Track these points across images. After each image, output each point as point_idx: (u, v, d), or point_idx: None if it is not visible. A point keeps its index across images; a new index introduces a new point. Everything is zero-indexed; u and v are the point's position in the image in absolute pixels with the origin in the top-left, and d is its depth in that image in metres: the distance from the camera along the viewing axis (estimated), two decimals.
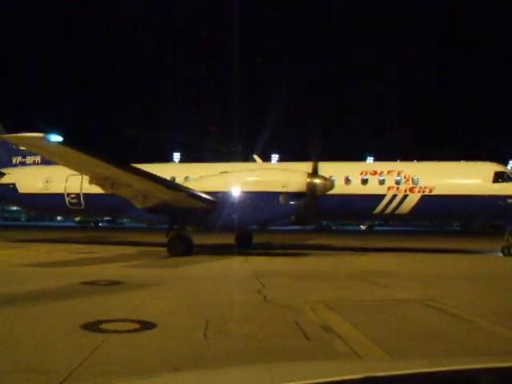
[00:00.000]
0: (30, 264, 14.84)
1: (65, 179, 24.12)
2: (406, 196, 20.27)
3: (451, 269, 16.36)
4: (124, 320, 6.98)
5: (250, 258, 18.72)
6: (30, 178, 25.49)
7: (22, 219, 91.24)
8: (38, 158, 26.90)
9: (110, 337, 6.03)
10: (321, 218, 24.75)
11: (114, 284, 10.68)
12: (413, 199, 20.18)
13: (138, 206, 19.72)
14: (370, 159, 33.49)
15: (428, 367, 1.29)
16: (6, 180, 25.74)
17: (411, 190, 20.26)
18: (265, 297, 9.38)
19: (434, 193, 19.98)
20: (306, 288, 10.80)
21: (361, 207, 20.90)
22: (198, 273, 13.71)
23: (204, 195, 18.48)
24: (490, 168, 20.44)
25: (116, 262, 16.32)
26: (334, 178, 20.08)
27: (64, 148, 15.65)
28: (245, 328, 6.73)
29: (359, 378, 1.13)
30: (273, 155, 33.92)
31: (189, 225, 21.15)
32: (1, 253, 19.94)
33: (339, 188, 19.89)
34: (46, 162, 25.74)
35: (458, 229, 71.47)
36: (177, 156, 45.18)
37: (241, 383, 1.16)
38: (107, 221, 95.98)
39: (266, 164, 24.81)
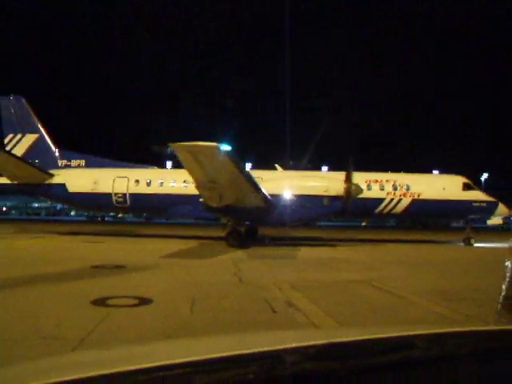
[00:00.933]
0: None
1: (112, 180, 23.79)
2: (400, 199, 21.86)
3: (401, 256, 16.77)
4: (126, 296, 7.03)
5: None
6: (79, 179, 24.48)
7: (42, 214, 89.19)
8: (82, 162, 26.00)
9: (114, 310, 6.08)
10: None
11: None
12: (405, 202, 21.80)
13: (213, 205, 19.09)
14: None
15: (374, 334, 1.32)
16: (56, 180, 24.64)
17: (404, 194, 21.91)
18: (240, 278, 9.48)
19: (421, 197, 21.74)
20: (273, 271, 10.94)
21: (366, 207, 21.82)
22: (186, 259, 13.72)
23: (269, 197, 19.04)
24: (460, 180, 22.56)
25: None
26: None
27: (223, 156, 15.46)
28: (223, 303, 6.85)
29: (319, 344, 1.17)
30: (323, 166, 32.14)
31: (247, 221, 21.70)
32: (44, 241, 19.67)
33: None
34: (89, 165, 25.72)
35: (394, 224, 71.83)
36: None
37: (213, 350, 1.20)
38: (112, 216, 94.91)
39: (302, 172, 24.16)
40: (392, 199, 21.92)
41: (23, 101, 27.50)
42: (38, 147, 26.26)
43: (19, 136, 26.83)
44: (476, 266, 13.39)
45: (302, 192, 19.94)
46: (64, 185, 24.43)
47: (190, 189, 22.15)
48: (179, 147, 15.42)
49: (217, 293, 7.79)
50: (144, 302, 6.73)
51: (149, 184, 23.81)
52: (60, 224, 40.22)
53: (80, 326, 5.23)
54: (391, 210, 22.04)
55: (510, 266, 3.01)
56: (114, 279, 9.06)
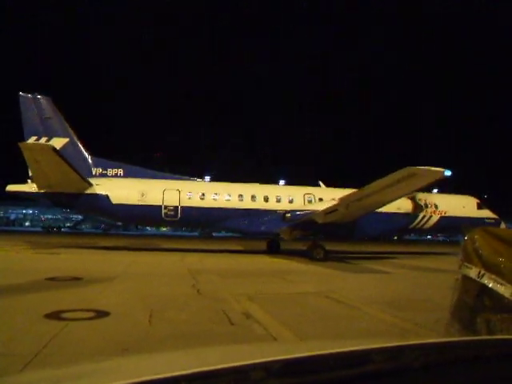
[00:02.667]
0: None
1: (161, 192, 22.24)
2: (431, 216, 23.50)
3: (355, 267, 16.99)
4: (82, 309, 6.80)
5: (186, 257, 18.69)
6: (124, 190, 22.19)
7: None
8: (120, 171, 23.59)
9: (69, 324, 5.85)
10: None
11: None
12: (435, 219, 23.48)
13: (319, 221, 19.44)
14: None
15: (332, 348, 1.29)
16: (97, 190, 21.89)
17: (434, 212, 23.63)
18: (198, 290, 9.36)
19: (447, 215, 23.58)
20: (231, 283, 10.87)
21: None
22: (144, 271, 13.45)
23: None
24: (475, 200, 25.05)
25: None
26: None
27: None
28: (182, 315, 6.72)
29: (280, 359, 1.14)
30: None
31: (331, 236, 22.38)
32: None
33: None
34: (127, 175, 23.47)
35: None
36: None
37: (169, 368, 1.15)
38: (69, 227, 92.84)
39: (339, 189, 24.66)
40: (424, 216, 23.43)
41: (49, 100, 23.84)
42: (67, 153, 22.13)
43: (44, 139, 22.93)
44: (434, 276, 13.77)
45: (380, 209, 20.57)
46: (107, 196, 21.93)
47: (246, 203, 22.82)
48: (417, 171, 15.63)
49: (175, 305, 7.66)
50: (101, 314, 6.51)
51: (202, 197, 22.70)
52: (14, 234, 38.67)
53: (32, 341, 4.98)
54: (423, 225, 23.67)
55: (459, 277, 3.10)
56: (70, 291, 8.74)
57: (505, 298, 2.76)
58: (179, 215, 22.23)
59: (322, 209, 19.86)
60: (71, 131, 23.79)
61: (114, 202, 21.86)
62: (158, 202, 22.05)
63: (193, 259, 18.43)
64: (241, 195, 22.93)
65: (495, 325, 2.93)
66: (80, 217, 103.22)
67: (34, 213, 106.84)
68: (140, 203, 21.94)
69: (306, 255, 20.02)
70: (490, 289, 2.84)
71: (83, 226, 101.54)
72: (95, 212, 24.23)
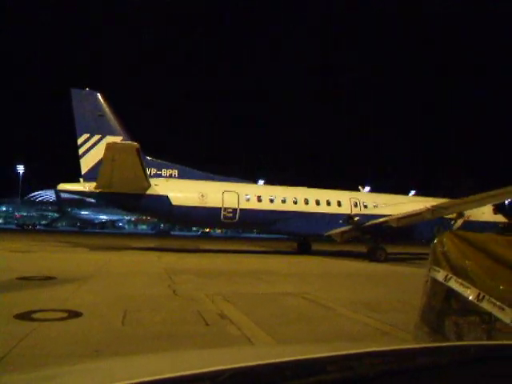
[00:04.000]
0: None
1: (221, 194, 22.46)
2: (456, 220, 23.90)
3: (335, 268, 17.15)
4: (54, 310, 6.69)
5: (163, 257, 18.60)
6: (183, 191, 22.18)
7: None
8: (175, 172, 23.36)
9: (40, 325, 5.76)
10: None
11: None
12: (459, 222, 23.87)
13: (393, 225, 20.82)
14: None
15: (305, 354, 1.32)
16: (157, 191, 21.64)
17: (458, 216, 24.13)
18: (174, 291, 9.31)
19: (470, 219, 24.08)
20: (206, 283, 10.83)
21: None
22: (120, 270, 13.32)
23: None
24: (491, 205, 25.56)
25: None
26: None
27: None
28: (156, 316, 6.67)
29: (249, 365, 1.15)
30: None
31: (394, 239, 23.97)
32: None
33: None
34: (182, 176, 23.26)
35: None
36: None
37: (143, 372, 1.14)
38: (44, 225, 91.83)
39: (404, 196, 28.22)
40: (451, 219, 23.89)
41: (100, 97, 23.07)
42: None
43: (97, 137, 22.50)
44: (401, 277, 13.96)
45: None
46: (167, 197, 21.72)
47: (300, 206, 23.86)
48: None
49: (150, 305, 7.59)
50: (73, 314, 6.42)
51: (260, 200, 23.20)
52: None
53: (1, 342, 4.88)
54: (451, 228, 24.54)
55: (429, 281, 3.15)
56: (42, 291, 8.59)
57: (470, 301, 2.82)
58: (237, 217, 22.61)
59: (397, 213, 21.54)
60: (124, 129, 23.24)
61: (173, 203, 21.76)
62: (218, 204, 22.29)
63: (171, 259, 18.34)
64: (295, 199, 23.91)
65: (463, 328, 2.98)
66: (56, 214, 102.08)
67: (7, 210, 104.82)
68: (200, 205, 22.03)
69: (367, 257, 21.65)
70: (457, 292, 2.89)
71: (59, 224, 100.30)
72: (154, 213, 24.11)
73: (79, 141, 22.46)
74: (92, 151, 22.27)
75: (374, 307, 8.07)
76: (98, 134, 22.42)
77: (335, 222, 23.65)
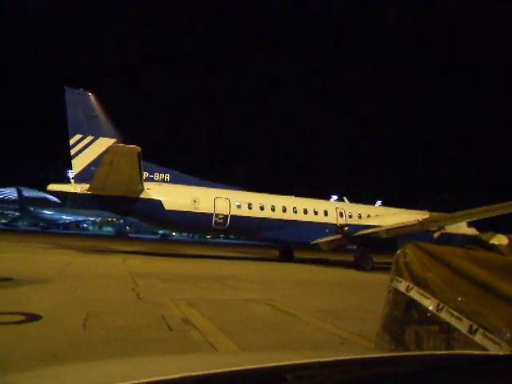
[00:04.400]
0: None
1: (212, 200, 22.52)
2: (434, 231, 24.08)
3: (310, 276, 17.26)
4: (11, 313, 6.49)
5: (128, 260, 18.34)
6: (177, 196, 22.10)
7: None
8: (167, 176, 23.25)
9: None
10: None
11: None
12: (437, 234, 24.16)
13: (383, 236, 21.63)
14: None
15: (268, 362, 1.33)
16: (149, 195, 21.41)
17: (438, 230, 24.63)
18: (138, 294, 9.19)
19: (446, 231, 24.63)
20: (171, 288, 10.74)
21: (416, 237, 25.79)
22: (82, 272, 13.04)
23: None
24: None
25: None
26: None
27: None
28: (118, 320, 6.56)
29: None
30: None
31: (375, 249, 23.68)
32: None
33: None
34: (174, 181, 23.17)
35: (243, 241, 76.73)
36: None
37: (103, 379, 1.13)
38: (4, 224, 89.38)
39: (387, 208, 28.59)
40: (428, 231, 24.08)
41: (94, 97, 22.78)
42: None
43: (90, 138, 22.15)
44: (372, 286, 14.16)
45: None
46: (160, 201, 21.55)
47: (289, 215, 24.43)
48: None
49: (112, 309, 7.46)
50: (31, 318, 6.25)
51: (250, 207, 23.45)
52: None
53: None
54: (429, 239, 24.49)
55: (391, 291, 3.22)
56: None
57: (430, 311, 2.89)
58: (228, 224, 22.71)
59: (384, 224, 22.58)
60: (117, 131, 22.90)
61: (166, 208, 21.60)
62: (210, 210, 22.40)
63: (135, 262, 18.10)
64: (284, 207, 24.51)
65: (422, 337, 3.06)
66: (17, 213, 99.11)
67: None
68: (192, 210, 22.04)
69: (354, 265, 22.25)
70: (418, 302, 2.97)
71: (20, 223, 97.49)
72: (147, 217, 23.70)
73: (71, 141, 22.06)
74: (84, 152, 21.93)
75: (341, 316, 8.15)
76: (91, 135, 22.11)
77: (322, 230, 24.34)
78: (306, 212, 24.82)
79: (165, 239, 74.62)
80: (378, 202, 33.91)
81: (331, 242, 23.95)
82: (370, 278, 17.94)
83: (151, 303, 8.26)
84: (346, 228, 23.29)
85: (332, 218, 25.00)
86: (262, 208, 23.79)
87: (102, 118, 22.57)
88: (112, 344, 5.23)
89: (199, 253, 29.27)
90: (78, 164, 21.94)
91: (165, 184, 22.80)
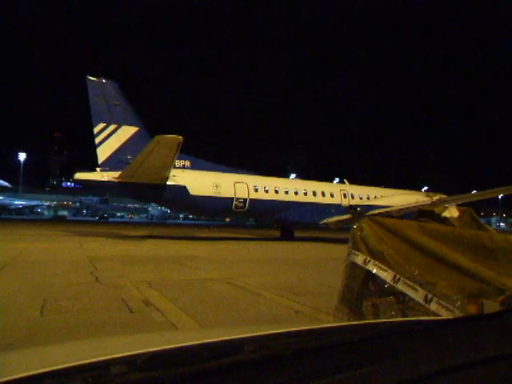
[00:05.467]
0: None
1: (233, 185, 23.61)
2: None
3: (259, 253, 17.33)
4: None
5: (85, 244, 17.96)
6: (201, 182, 22.95)
7: None
8: (187, 163, 23.62)
9: None
10: None
11: None
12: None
13: (395, 215, 21.56)
14: None
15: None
16: (175, 182, 22.02)
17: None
18: (96, 278, 9.03)
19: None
20: (131, 270, 10.60)
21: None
22: (38, 258, 12.67)
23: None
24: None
25: None
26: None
27: None
28: (77, 305, 6.43)
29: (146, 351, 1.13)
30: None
31: None
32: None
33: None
34: (194, 167, 23.79)
35: (254, 224, 76.85)
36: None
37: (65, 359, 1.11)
38: None
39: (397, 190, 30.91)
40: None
41: (117, 86, 22.89)
42: (136, 142, 22.26)
43: (113, 127, 22.40)
44: (333, 262, 14.41)
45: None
46: (185, 187, 22.26)
47: (300, 197, 26.11)
48: None
49: (71, 294, 7.29)
50: None
51: (266, 191, 24.84)
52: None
53: None
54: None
55: (348, 264, 3.28)
56: None
57: (387, 283, 2.97)
58: (247, 207, 24.15)
59: (396, 204, 24.01)
60: (139, 120, 23.34)
61: (191, 193, 22.54)
62: (231, 195, 23.70)
63: (93, 245, 17.76)
64: (296, 190, 26.15)
65: (379, 308, 3.15)
66: None
67: None
68: (215, 195, 23.23)
69: None
70: (375, 274, 3.04)
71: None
72: (173, 202, 24.52)
73: (95, 130, 22.40)
74: (109, 140, 22.28)
75: (302, 291, 8.27)
76: (114, 123, 22.44)
77: (329, 211, 25.94)
78: (314, 194, 26.53)
79: (104, 221, 72.69)
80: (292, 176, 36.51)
81: (341, 221, 25.29)
82: (330, 252, 18.27)
83: (111, 286, 8.14)
84: (359, 208, 24.81)
85: (337, 200, 26.90)
86: (276, 191, 25.35)
87: (125, 107, 22.95)
88: (71, 329, 5.12)
89: (201, 235, 29.01)
90: (103, 152, 22.26)
91: (187, 170, 23.53)
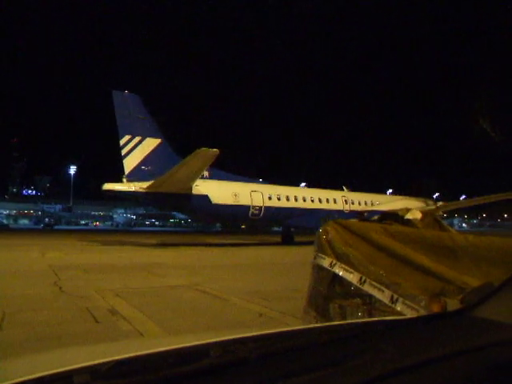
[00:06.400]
0: None
1: (249, 194, 24.96)
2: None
3: (225, 259, 17.26)
4: None
5: (48, 253, 17.48)
6: (222, 191, 24.11)
7: None
8: (206, 173, 24.15)
9: None
10: None
11: None
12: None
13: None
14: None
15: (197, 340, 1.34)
16: (199, 191, 23.00)
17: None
18: (60, 288, 8.81)
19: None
20: (96, 279, 10.39)
21: None
22: None
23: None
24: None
25: None
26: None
27: None
28: (40, 316, 6.26)
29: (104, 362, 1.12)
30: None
31: None
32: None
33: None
34: (212, 177, 24.59)
35: (220, 229, 77.21)
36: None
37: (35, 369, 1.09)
38: None
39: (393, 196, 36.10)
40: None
41: (139, 99, 23.96)
42: (159, 153, 23.54)
43: (138, 139, 23.26)
44: (300, 266, 14.46)
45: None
46: (207, 196, 23.34)
47: (308, 204, 28.00)
48: None
49: (33, 305, 7.08)
50: None
51: (278, 198, 26.52)
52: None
53: None
54: None
55: (315, 267, 3.32)
56: None
57: (353, 285, 3.03)
58: (261, 214, 25.58)
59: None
60: (161, 132, 24.52)
61: (213, 202, 23.69)
62: (248, 203, 25.11)
63: (56, 255, 17.30)
64: (304, 197, 28.10)
65: (346, 310, 3.20)
66: None
67: None
68: (235, 203, 24.48)
69: None
70: (341, 277, 3.09)
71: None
72: (196, 211, 25.49)
73: (121, 142, 23.35)
74: (134, 152, 23.25)
75: (270, 296, 8.24)
76: (138, 135, 23.47)
77: (332, 216, 26.76)
78: (320, 201, 28.57)
79: (49, 229, 70.20)
80: (389, 191, 40.67)
81: None
82: (296, 255, 18.35)
83: (75, 296, 7.96)
84: (366, 214, 26.54)
85: (340, 205, 29.05)
86: (287, 199, 27.09)
87: (148, 119, 24.17)
88: (33, 342, 4.97)
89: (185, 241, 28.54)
90: (129, 163, 23.18)
91: (208, 180, 24.52)
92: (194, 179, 22.24)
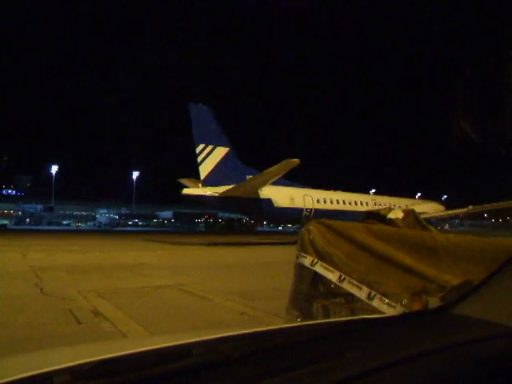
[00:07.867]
0: None
1: (302, 197, 28.13)
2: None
3: (208, 259, 17.19)
4: None
5: (30, 253, 17.22)
6: (280, 195, 27.24)
7: None
8: None
9: None
10: None
11: None
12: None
13: (433, 221, 28.38)
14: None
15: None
16: (264, 196, 26.20)
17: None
18: (41, 289, 8.69)
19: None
20: (79, 279, 10.28)
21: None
22: None
23: None
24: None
25: None
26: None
27: None
28: (20, 318, 6.17)
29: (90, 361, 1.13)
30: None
31: None
32: None
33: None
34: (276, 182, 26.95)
35: (203, 229, 77.30)
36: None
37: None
38: None
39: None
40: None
41: (211, 111, 26.75)
42: (228, 161, 26.51)
43: (210, 147, 26.17)
44: (285, 266, 14.43)
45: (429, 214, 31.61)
46: (271, 200, 26.30)
47: (348, 206, 31.30)
48: None
49: (13, 307, 6.97)
50: None
51: (325, 202, 30.10)
52: None
53: None
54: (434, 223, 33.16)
55: (297, 266, 3.34)
56: None
57: (333, 283, 3.05)
58: (311, 215, 27.92)
59: (424, 211, 31.62)
60: (229, 141, 27.35)
61: (275, 205, 26.95)
62: (302, 205, 28.41)
63: (38, 255, 17.06)
64: (344, 200, 31.53)
65: (329, 309, 3.22)
66: None
67: None
68: (291, 206, 27.85)
69: None
70: (322, 275, 3.11)
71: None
72: (261, 213, 29.03)
73: (197, 150, 26.15)
74: (207, 160, 26.04)
75: (253, 296, 8.24)
76: (211, 144, 26.31)
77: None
78: (356, 203, 32.13)
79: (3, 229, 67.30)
80: (418, 194, 45.18)
81: None
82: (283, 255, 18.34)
83: (57, 297, 7.86)
84: None
85: (370, 207, 31.30)
86: (331, 202, 30.30)
87: (219, 129, 26.96)
88: (13, 345, 4.90)
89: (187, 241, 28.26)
90: (204, 170, 26.05)
91: (269, 186, 26.80)
92: (264, 184, 24.95)
